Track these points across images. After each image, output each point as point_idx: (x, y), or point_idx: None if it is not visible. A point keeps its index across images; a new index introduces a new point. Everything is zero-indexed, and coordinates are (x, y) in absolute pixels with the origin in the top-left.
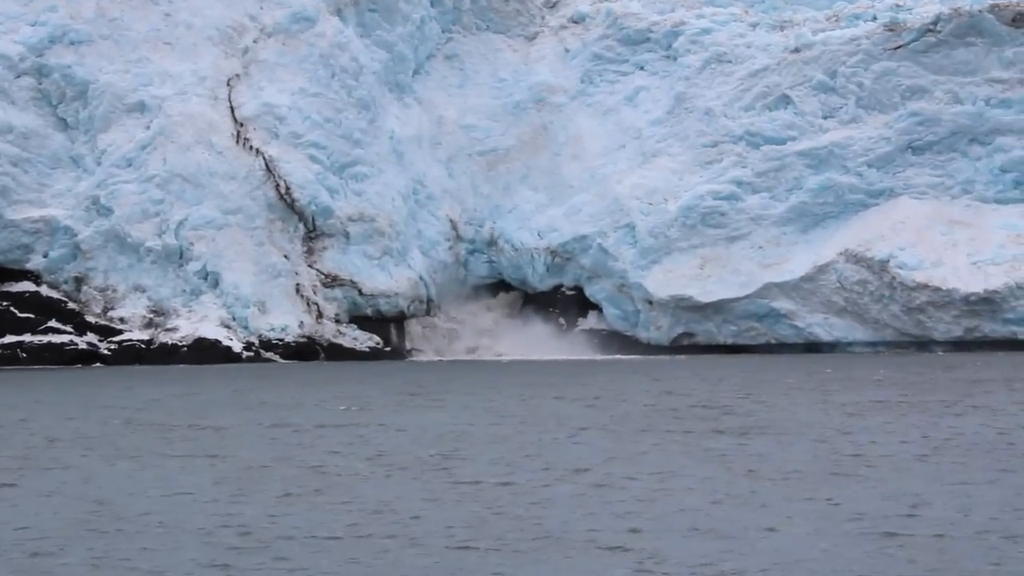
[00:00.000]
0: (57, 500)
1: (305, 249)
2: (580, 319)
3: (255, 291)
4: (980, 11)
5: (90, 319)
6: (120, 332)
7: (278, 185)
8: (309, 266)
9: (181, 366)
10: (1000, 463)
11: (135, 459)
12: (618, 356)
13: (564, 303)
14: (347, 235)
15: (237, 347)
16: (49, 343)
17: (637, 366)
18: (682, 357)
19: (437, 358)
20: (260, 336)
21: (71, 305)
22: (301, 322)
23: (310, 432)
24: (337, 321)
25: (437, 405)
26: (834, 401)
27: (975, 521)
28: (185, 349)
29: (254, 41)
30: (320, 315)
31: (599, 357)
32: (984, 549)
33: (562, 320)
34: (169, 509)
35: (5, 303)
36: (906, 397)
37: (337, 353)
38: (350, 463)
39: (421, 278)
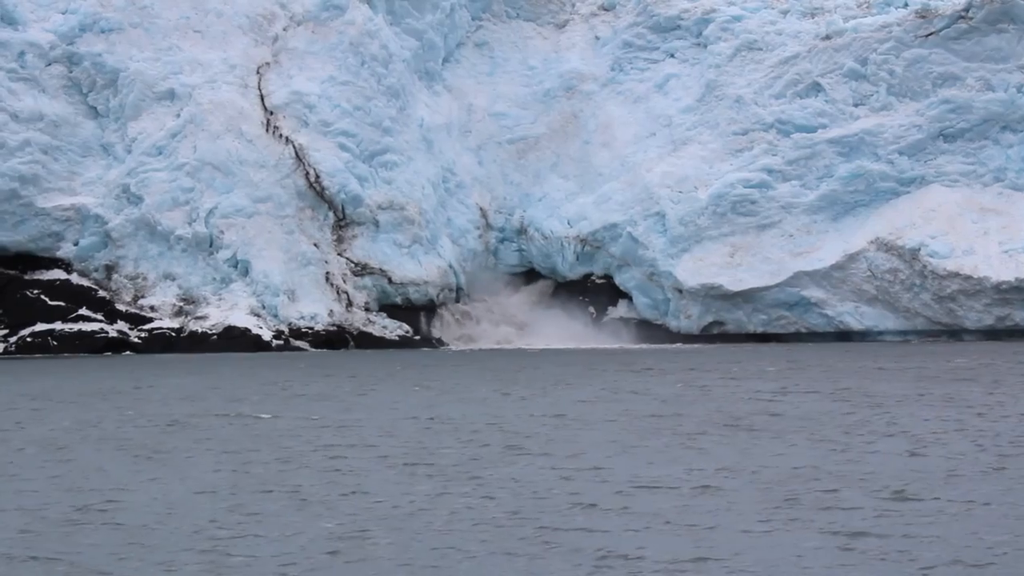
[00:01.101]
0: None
1: (335, 237)
2: (610, 308)
3: (285, 279)
4: None
5: (120, 307)
6: (150, 320)
7: (308, 173)
8: (339, 254)
9: (224, 354)
10: None
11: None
12: (648, 345)
13: (594, 292)
14: (377, 223)
15: (267, 335)
16: (79, 331)
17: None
18: (712, 346)
19: (465, 347)
20: (290, 324)
21: (101, 293)
22: (331, 310)
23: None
24: (367, 309)
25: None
26: None
27: None
28: (215, 337)
29: (284, 29)
30: (350, 303)
31: (630, 346)
32: None
33: (592, 309)
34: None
35: (36, 291)
36: None
37: (366, 341)
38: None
39: (451, 266)
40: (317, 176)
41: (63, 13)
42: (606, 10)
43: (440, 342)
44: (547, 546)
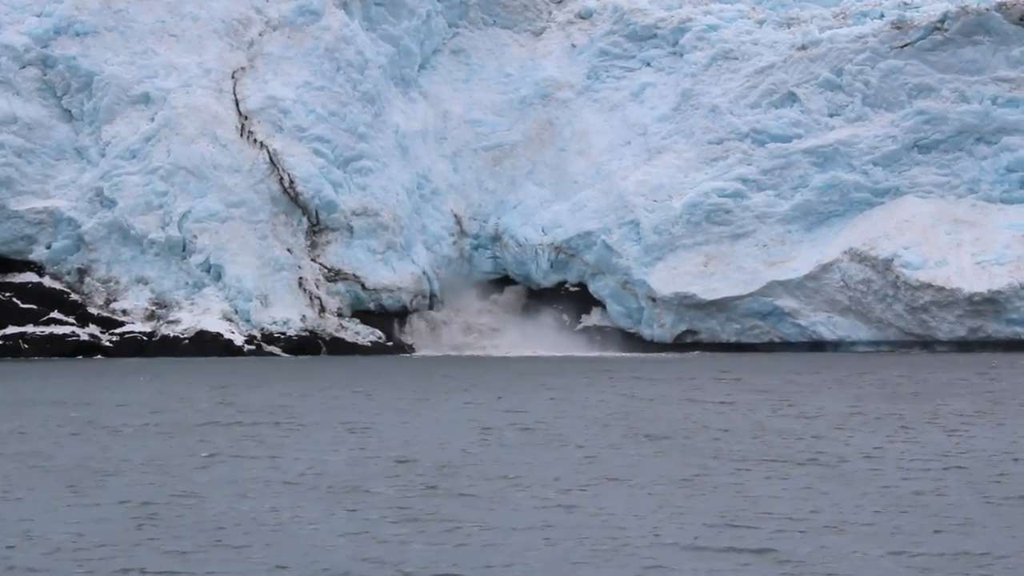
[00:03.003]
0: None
1: (308, 243)
2: (583, 316)
3: (258, 284)
4: (988, 9)
5: (92, 311)
6: (122, 324)
7: (282, 179)
8: (312, 260)
9: (204, 358)
10: None
11: None
12: (622, 354)
13: (568, 299)
14: (351, 229)
15: (239, 340)
16: (51, 334)
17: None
18: (693, 354)
19: (437, 353)
20: (262, 330)
21: (73, 296)
22: (303, 316)
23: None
24: (339, 315)
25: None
26: None
27: None
28: (187, 342)
29: (259, 34)
30: (323, 309)
31: (605, 354)
32: None
33: (565, 316)
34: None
35: (7, 294)
36: None
37: (339, 347)
38: None
39: (424, 273)
40: (291, 181)
41: (38, 16)
42: (583, 18)
43: (412, 348)
44: None
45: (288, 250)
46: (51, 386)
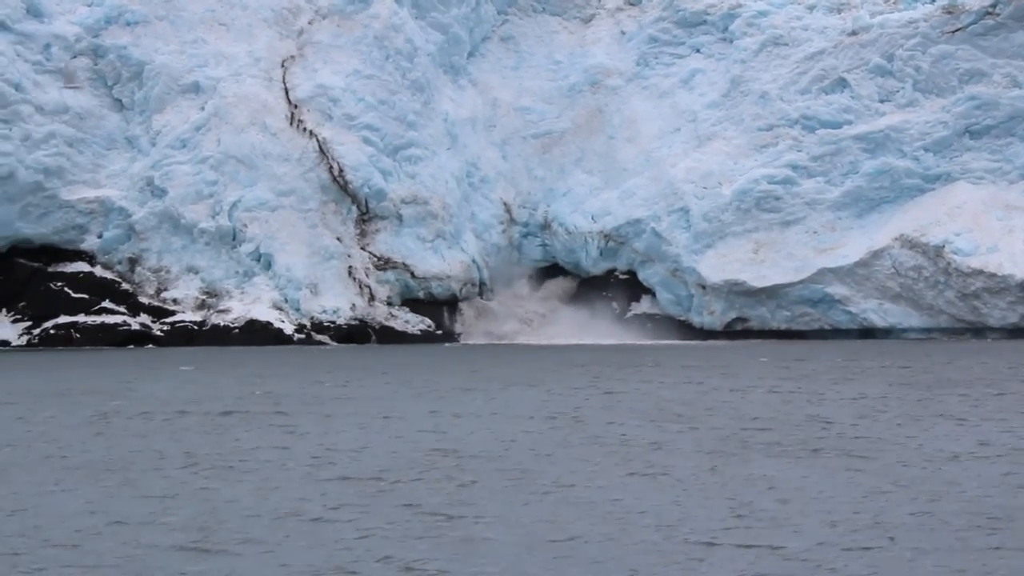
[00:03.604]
0: None
1: (358, 231)
2: (633, 303)
3: (307, 273)
4: None
5: (143, 300)
6: (173, 313)
7: (331, 167)
8: (362, 248)
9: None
10: None
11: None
12: (671, 341)
13: (617, 287)
14: (400, 217)
15: (288, 329)
16: (103, 323)
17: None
18: (741, 342)
19: (487, 342)
20: (312, 318)
21: (124, 286)
22: (353, 304)
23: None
24: (389, 304)
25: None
26: None
27: None
28: (237, 331)
29: (309, 22)
30: (372, 298)
31: (655, 342)
32: None
33: (615, 304)
34: None
35: (59, 283)
36: None
37: (389, 336)
38: None
39: (474, 261)
40: (341, 170)
41: (89, 6)
42: (632, 4)
43: (462, 337)
44: None
45: (338, 239)
46: (94, 375)
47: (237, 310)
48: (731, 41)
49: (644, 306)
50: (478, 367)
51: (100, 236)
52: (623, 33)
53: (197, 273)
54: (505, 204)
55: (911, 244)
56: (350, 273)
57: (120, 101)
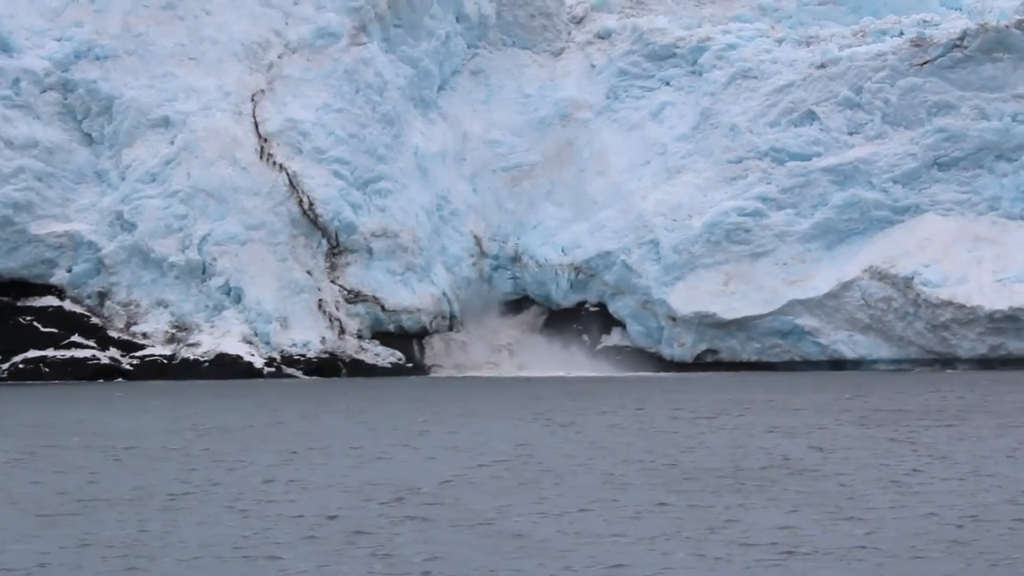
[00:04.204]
0: None
1: (328, 265)
2: (603, 336)
3: (277, 307)
4: (1007, 26)
5: (113, 334)
6: (142, 347)
7: (301, 201)
8: (332, 282)
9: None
10: None
11: None
12: (644, 373)
13: (588, 319)
14: (370, 251)
15: (259, 363)
16: (72, 358)
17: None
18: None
19: (458, 374)
20: (282, 352)
21: (94, 320)
22: (323, 338)
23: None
24: (359, 337)
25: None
26: None
27: None
28: (207, 364)
29: (279, 56)
30: (342, 331)
31: (625, 374)
32: None
33: (586, 337)
34: None
35: (28, 317)
36: None
37: (359, 369)
38: None
39: (444, 294)
40: (311, 203)
41: (58, 40)
42: (602, 38)
43: (432, 370)
44: None
45: (307, 272)
46: (54, 411)
47: (207, 344)
48: (700, 74)
49: (615, 338)
50: (438, 401)
51: (69, 270)
52: (593, 66)
53: (167, 307)
54: (475, 237)
55: (880, 276)
56: (320, 306)
57: (90, 135)
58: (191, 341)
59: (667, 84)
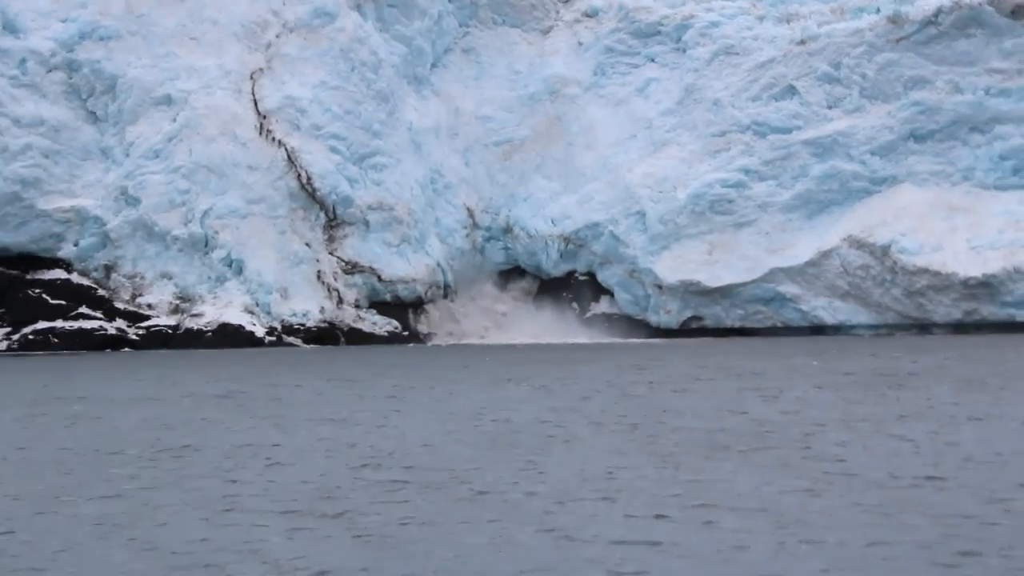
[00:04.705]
0: None
1: (326, 237)
2: (593, 304)
3: (277, 278)
4: (980, 3)
5: (119, 305)
6: (148, 318)
7: (300, 175)
8: (330, 253)
9: (216, 351)
10: None
11: None
12: (631, 340)
13: (577, 288)
14: (367, 223)
15: (260, 332)
16: (80, 328)
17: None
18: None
19: (453, 342)
20: (282, 321)
21: (101, 292)
22: (322, 307)
23: None
24: (357, 307)
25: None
26: None
27: None
28: (210, 334)
29: (276, 36)
30: (340, 301)
31: (613, 341)
32: None
33: (575, 305)
34: None
35: (37, 290)
36: None
37: (357, 338)
38: None
39: (439, 264)
40: (309, 178)
41: (63, 21)
42: (589, 16)
43: (428, 337)
44: None
45: (306, 244)
46: (61, 381)
47: (210, 314)
48: (684, 51)
49: (603, 306)
50: (424, 367)
51: (76, 244)
52: (580, 44)
53: (171, 279)
54: (468, 209)
55: (859, 244)
56: (319, 277)
57: (94, 113)
58: (195, 312)
59: (652, 61)
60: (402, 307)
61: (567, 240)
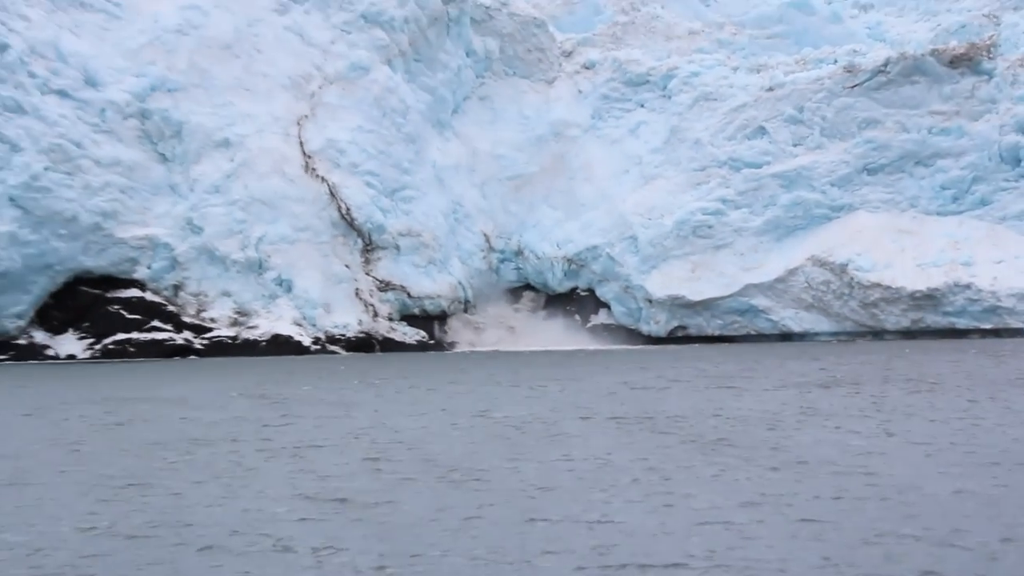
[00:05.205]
0: None
1: (363, 260)
2: (593, 315)
3: (322, 295)
4: (923, 55)
5: (186, 319)
6: (211, 330)
7: (340, 207)
8: (366, 274)
9: (268, 357)
10: None
11: None
12: (621, 346)
13: (579, 302)
14: (398, 248)
15: (307, 341)
16: (152, 339)
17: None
18: (685, 346)
19: (472, 349)
20: (326, 332)
21: (170, 308)
22: (360, 320)
23: None
24: (390, 319)
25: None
26: None
27: None
28: (264, 343)
29: (319, 87)
30: (376, 314)
31: (609, 347)
32: None
33: (577, 316)
34: None
35: (116, 307)
36: None
37: (390, 346)
38: None
39: (460, 283)
40: (348, 209)
41: (136, 76)
42: (587, 69)
43: (451, 346)
44: None
45: (346, 266)
46: (140, 383)
47: (264, 326)
48: (669, 97)
49: (602, 317)
50: (459, 370)
51: (149, 267)
52: (580, 92)
53: (230, 296)
54: (485, 235)
55: (821, 263)
56: (357, 294)
57: (164, 155)
58: (251, 324)
59: (642, 106)
60: (428, 319)
61: (570, 261)
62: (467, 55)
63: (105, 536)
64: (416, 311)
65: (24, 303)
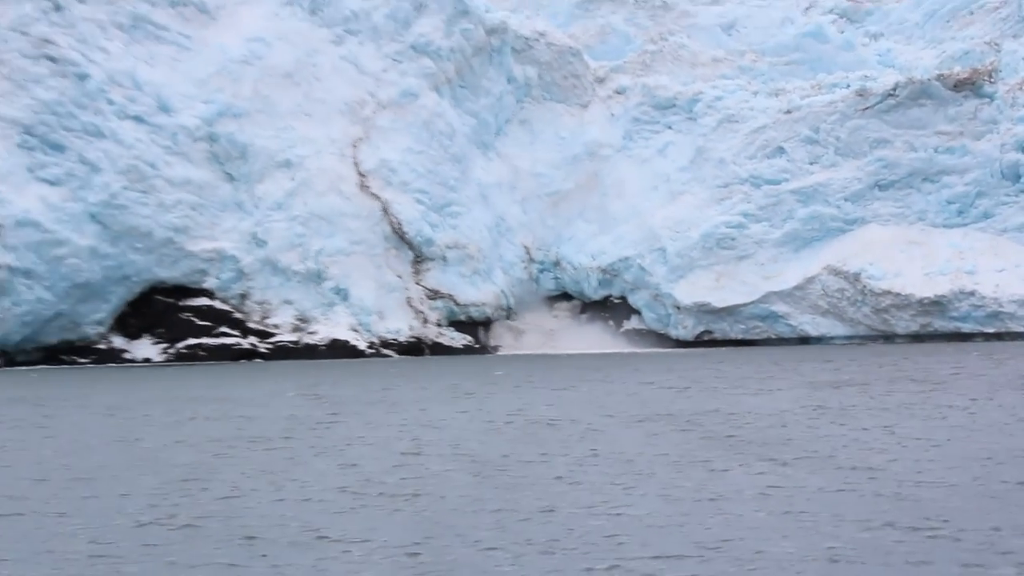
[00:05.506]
0: None
1: (413, 270)
2: (625, 321)
3: (376, 303)
4: (929, 79)
5: (251, 325)
6: (274, 335)
7: (392, 222)
8: (417, 283)
9: (328, 360)
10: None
11: None
12: (651, 349)
13: (613, 309)
14: (445, 259)
15: (362, 346)
16: (221, 344)
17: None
18: (710, 349)
19: (515, 352)
20: (380, 337)
21: (237, 315)
22: (411, 326)
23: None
24: (438, 325)
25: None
26: None
27: None
28: (323, 348)
29: (372, 112)
30: (425, 320)
31: (641, 350)
32: None
33: (611, 322)
34: None
35: (188, 314)
36: None
37: (439, 350)
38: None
39: (502, 291)
40: (399, 224)
41: (205, 102)
42: (619, 93)
43: (495, 349)
44: None
45: (398, 276)
46: (200, 384)
47: (323, 332)
48: (695, 120)
49: (634, 323)
50: (498, 372)
51: (218, 278)
52: (612, 115)
53: (292, 304)
54: (525, 247)
55: (836, 272)
56: (408, 302)
57: (230, 174)
58: (311, 330)
59: (669, 128)
60: (474, 325)
61: (604, 271)
62: (508, 82)
63: (156, 526)
64: (462, 317)
65: (104, 311)
